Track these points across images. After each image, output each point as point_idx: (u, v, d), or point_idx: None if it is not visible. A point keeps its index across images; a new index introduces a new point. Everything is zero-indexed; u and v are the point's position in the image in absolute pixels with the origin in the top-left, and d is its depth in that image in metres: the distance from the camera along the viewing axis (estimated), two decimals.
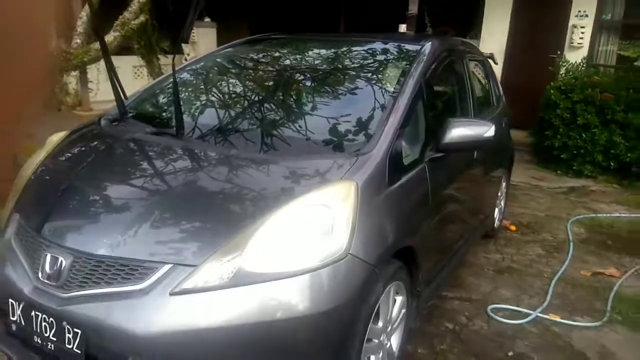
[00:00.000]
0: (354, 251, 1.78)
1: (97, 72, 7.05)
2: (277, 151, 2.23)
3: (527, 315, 3.05)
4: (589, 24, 7.01)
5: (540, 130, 6.38)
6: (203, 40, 9.53)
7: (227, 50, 3.40)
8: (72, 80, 7.40)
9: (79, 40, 4.56)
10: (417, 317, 2.44)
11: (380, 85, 2.72)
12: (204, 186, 2.05)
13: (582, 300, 3.31)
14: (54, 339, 1.72)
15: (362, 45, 3.22)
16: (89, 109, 7.41)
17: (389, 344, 2.18)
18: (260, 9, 9.87)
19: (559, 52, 7.08)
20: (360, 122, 2.38)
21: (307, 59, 3.18)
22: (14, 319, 1.82)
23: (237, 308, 1.64)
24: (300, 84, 2.90)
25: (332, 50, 3.21)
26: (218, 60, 3.30)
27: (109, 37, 4.22)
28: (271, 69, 3.16)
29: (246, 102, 2.81)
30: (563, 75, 6.34)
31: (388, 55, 3.03)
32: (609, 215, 4.96)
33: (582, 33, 7.02)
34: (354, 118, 2.42)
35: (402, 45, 3.09)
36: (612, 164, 5.93)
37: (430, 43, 2.97)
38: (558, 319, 3.03)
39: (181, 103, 2.44)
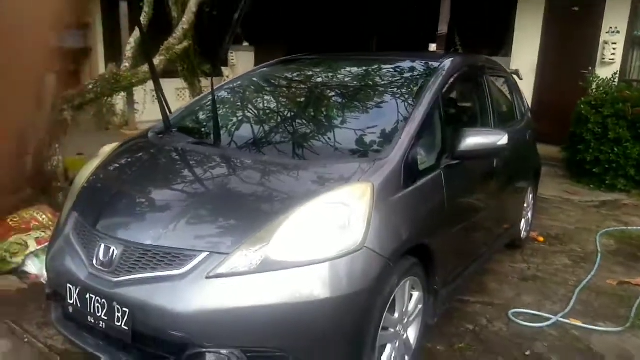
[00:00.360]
0: (369, 244, 1.98)
1: (143, 93, 7.54)
2: (305, 159, 2.46)
3: (548, 319, 3.13)
4: (620, 40, 7.02)
5: (572, 145, 6.39)
6: (242, 63, 10.00)
7: (263, 69, 3.69)
8: (119, 101, 7.92)
9: (127, 64, 4.95)
10: (434, 314, 2.58)
11: (401, 98, 2.92)
12: (236, 187, 2.31)
13: (605, 307, 3.35)
14: (105, 318, 1.98)
15: (386, 63, 3.43)
16: (135, 128, 7.90)
17: (405, 335, 2.34)
18: (296, 33, 10.27)
19: (590, 68, 7.09)
20: (381, 131, 2.59)
21: (336, 76, 3.42)
22: (71, 301, 2.09)
23: (263, 291, 1.86)
24: (328, 99, 3.14)
25: (358, 68, 3.45)
26: (254, 79, 3.58)
27: (155, 61, 4.59)
28: (302, 86, 3.42)
29: (279, 116, 3.07)
30: (594, 90, 6.36)
31: (409, 71, 3.23)
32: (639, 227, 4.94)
33: (614, 49, 7.03)
34: (375, 128, 2.63)
35: (423, 62, 3.29)
36: None
37: (450, 60, 3.16)
38: (579, 324, 3.10)
39: (219, 116, 2.71)
